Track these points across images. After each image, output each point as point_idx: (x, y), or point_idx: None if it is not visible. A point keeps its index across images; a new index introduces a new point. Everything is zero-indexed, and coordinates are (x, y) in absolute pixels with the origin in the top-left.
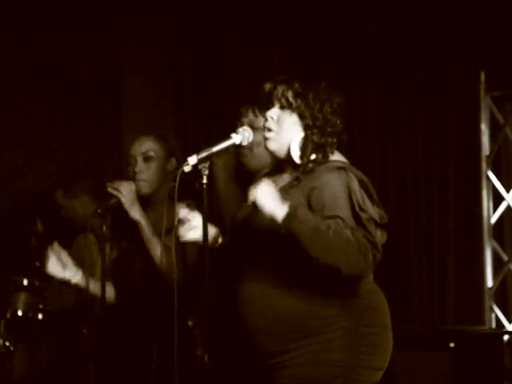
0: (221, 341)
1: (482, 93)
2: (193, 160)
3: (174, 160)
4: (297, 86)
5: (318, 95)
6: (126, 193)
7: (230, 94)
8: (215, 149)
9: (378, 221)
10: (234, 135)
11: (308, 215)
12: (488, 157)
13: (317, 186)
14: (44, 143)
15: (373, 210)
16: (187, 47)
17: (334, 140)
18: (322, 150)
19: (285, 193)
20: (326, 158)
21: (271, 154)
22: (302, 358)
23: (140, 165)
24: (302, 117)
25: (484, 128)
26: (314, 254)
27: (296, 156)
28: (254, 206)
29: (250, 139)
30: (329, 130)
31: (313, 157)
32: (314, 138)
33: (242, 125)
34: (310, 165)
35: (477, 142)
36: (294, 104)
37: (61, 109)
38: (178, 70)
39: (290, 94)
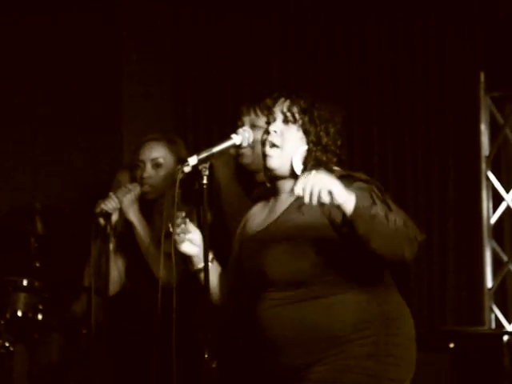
0: (233, 352)
1: (482, 93)
2: (193, 160)
3: None
4: (302, 102)
5: (323, 113)
6: (122, 195)
7: (230, 94)
8: (215, 149)
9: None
10: (234, 136)
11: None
12: (488, 157)
13: None
14: (44, 143)
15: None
16: (187, 47)
17: (334, 159)
18: (323, 166)
19: (297, 211)
20: None
21: (271, 171)
22: (330, 364)
23: (149, 171)
24: (307, 133)
25: (484, 128)
26: (378, 242)
27: (298, 169)
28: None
29: (251, 140)
30: (332, 148)
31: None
32: (317, 154)
33: (242, 123)
34: None
35: (477, 142)
36: (300, 120)
37: (61, 109)
38: (177, 70)
39: (295, 110)
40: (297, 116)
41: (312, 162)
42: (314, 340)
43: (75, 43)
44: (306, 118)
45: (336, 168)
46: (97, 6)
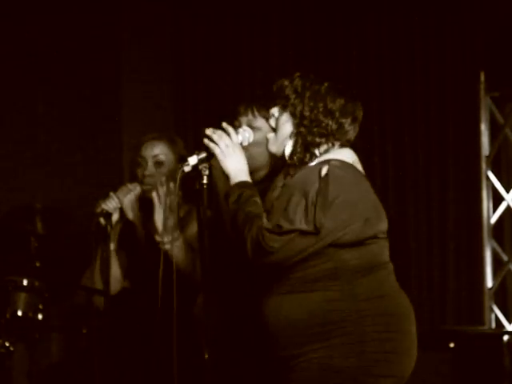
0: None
1: (482, 93)
2: (193, 160)
3: None
4: (297, 83)
5: (315, 94)
6: (123, 195)
7: (230, 94)
8: None
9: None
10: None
11: (249, 200)
12: (488, 157)
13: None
14: (44, 143)
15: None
16: (187, 47)
17: (323, 140)
18: (310, 150)
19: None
20: (311, 159)
21: (273, 155)
22: (306, 363)
23: (150, 169)
24: (293, 115)
25: (484, 128)
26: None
27: (287, 153)
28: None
29: (251, 139)
30: (315, 130)
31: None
32: (304, 137)
33: (239, 124)
34: (294, 167)
35: (477, 142)
36: (290, 102)
37: (61, 109)
38: (177, 70)
39: (289, 92)
40: (290, 98)
41: (301, 147)
42: (290, 334)
43: (75, 43)
44: (295, 99)
45: (334, 156)
46: (97, 7)
